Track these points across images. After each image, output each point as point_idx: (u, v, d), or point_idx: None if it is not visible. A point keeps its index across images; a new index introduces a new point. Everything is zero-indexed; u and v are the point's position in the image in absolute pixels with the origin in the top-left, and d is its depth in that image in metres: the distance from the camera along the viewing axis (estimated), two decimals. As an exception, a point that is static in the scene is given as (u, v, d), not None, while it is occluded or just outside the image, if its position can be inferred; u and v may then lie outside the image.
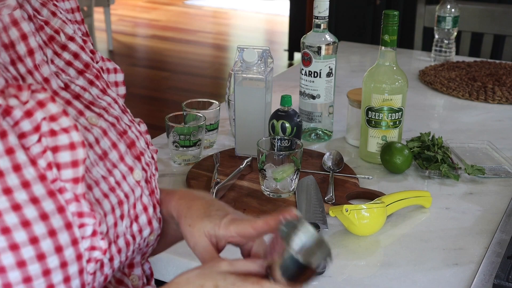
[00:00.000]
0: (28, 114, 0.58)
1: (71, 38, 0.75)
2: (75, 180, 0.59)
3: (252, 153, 1.27)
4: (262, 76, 1.30)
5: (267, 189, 1.17)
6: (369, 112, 1.31)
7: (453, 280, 0.96)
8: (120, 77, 0.84)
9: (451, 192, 1.24)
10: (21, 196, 0.55)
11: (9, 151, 0.55)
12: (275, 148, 1.21)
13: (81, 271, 0.59)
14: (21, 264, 0.54)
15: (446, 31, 2.08)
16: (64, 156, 0.59)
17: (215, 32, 6.57)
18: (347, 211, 1.03)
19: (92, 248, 0.61)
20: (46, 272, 0.56)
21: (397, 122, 1.32)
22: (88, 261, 0.60)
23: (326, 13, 1.41)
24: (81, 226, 0.60)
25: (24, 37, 0.65)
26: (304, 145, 1.21)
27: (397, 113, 1.31)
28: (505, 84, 1.89)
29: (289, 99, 1.32)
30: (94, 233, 0.61)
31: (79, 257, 0.59)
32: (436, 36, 2.11)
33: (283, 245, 0.60)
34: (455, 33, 2.10)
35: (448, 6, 2.06)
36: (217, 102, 1.44)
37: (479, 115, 1.69)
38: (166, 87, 4.75)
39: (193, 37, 6.19)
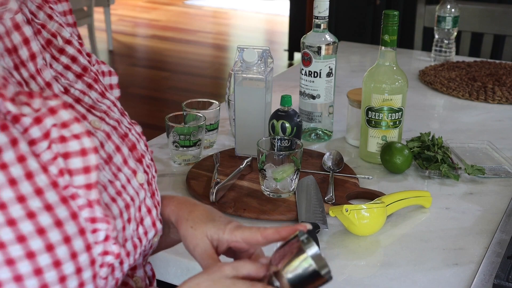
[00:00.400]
0: (37, 120, 0.57)
1: (68, 42, 0.74)
2: (88, 186, 0.59)
3: (252, 153, 1.27)
4: (262, 76, 1.30)
5: (267, 189, 1.17)
6: (369, 112, 1.31)
7: (453, 280, 0.96)
8: (114, 79, 0.84)
9: (451, 192, 1.24)
10: (35, 203, 0.54)
11: (21, 159, 0.55)
12: (275, 148, 1.21)
13: (94, 276, 0.60)
14: (38, 271, 0.54)
15: (446, 31, 2.08)
16: (76, 162, 0.59)
17: (215, 32, 6.57)
18: (347, 211, 1.03)
19: (105, 253, 0.61)
20: (62, 279, 0.56)
21: (397, 122, 1.32)
22: (101, 265, 0.61)
23: (326, 13, 1.41)
24: (94, 231, 0.60)
25: (26, 41, 0.65)
26: (304, 145, 1.21)
27: (397, 113, 1.31)
28: (505, 84, 1.89)
29: (289, 99, 1.32)
30: (106, 238, 0.61)
31: (92, 262, 0.59)
32: (436, 36, 2.11)
33: (297, 252, 0.63)
34: (455, 33, 2.10)
35: (448, 6, 2.06)
36: (217, 102, 1.44)
37: (479, 115, 1.69)
38: (166, 87, 4.75)
39: (193, 37, 6.19)
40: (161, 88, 4.73)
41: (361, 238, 1.07)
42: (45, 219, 0.54)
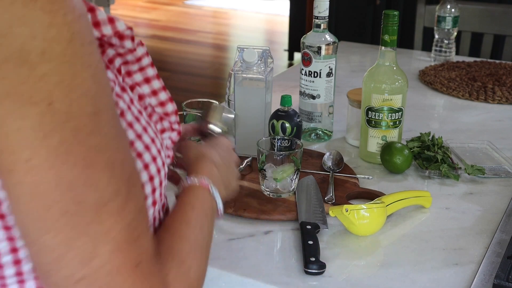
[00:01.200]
0: (110, 61, 0.66)
1: None
2: (162, 104, 0.74)
3: (252, 153, 1.27)
4: (262, 76, 1.30)
5: (267, 189, 1.17)
6: (369, 112, 1.31)
7: (453, 280, 0.96)
8: None
9: (451, 192, 1.24)
10: (143, 121, 0.66)
11: (123, 89, 0.65)
12: (275, 148, 1.21)
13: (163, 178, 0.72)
14: (159, 171, 0.67)
15: (446, 31, 2.08)
16: (145, 89, 0.72)
17: (215, 32, 6.56)
18: (347, 211, 1.03)
19: (168, 156, 0.73)
20: (161, 184, 0.69)
21: (397, 122, 1.32)
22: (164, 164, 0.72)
23: (326, 13, 1.41)
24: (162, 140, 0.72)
25: None
26: (304, 145, 1.21)
27: (397, 113, 1.31)
28: (505, 84, 1.89)
29: (289, 99, 1.32)
30: (167, 146, 0.73)
31: (163, 164, 0.71)
32: (436, 36, 2.11)
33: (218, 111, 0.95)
34: (455, 33, 2.10)
35: (448, 6, 2.06)
36: (217, 102, 1.44)
37: (479, 115, 1.69)
38: (166, 87, 4.74)
39: (193, 37, 6.19)
40: (161, 88, 4.72)
41: (361, 238, 1.07)
42: (151, 132, 0.67)
